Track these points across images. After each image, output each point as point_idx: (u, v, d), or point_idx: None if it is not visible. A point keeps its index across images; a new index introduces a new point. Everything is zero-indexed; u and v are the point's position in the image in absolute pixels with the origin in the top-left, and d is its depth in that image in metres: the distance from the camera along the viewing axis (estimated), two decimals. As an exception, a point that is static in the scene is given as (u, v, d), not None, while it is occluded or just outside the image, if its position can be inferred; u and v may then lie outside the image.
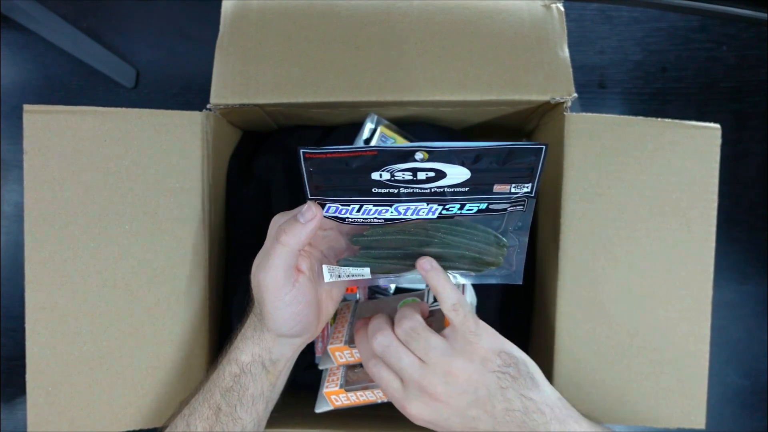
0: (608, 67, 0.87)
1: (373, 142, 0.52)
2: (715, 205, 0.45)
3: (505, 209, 0.37)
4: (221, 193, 0.53)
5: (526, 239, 0.39)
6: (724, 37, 0.86)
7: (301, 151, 0.34)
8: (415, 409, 0.37)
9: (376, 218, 0.37)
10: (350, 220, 0.37)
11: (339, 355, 0.45)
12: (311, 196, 0.36)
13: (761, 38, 0.86)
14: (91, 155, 0.45)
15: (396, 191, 0.35)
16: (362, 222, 0.37)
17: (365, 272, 0.39)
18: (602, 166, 0.45)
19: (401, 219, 0.37)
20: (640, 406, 0.45)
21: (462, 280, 0.42)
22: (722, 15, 0.71)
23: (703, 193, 0.45)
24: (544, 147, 0.34)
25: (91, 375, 0.44)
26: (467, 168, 0.35)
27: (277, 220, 0.38)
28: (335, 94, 0.46)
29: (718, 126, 0.45)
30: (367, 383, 0.45)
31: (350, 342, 0.44)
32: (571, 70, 0.46)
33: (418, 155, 0.34)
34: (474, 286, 0.54)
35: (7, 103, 0.84)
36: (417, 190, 0.35)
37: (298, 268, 0.37)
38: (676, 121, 0.45)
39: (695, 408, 0.45)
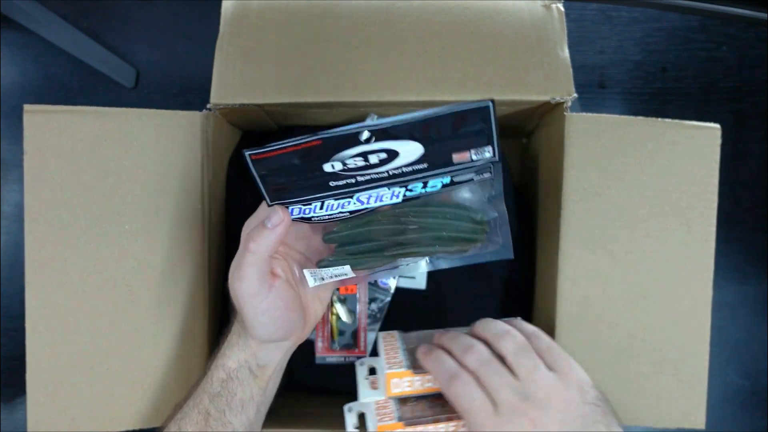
0: (608, 67, 0.86)
1: (373, 142, 0.52)
2: (715, 205, 0.45)
3: (472, 179, 0.36)
4: (221, 193, 0.53)
5: (504, 207, 0.38)
6: (724, 37, 0.86)
7: (247, 154, 0.32)
8: None
9: (340, 212, 0.36)
10: (316, 218, 0.36)
11: (396, 382, 0.39)
12: (272, 201, 0.35)
13: (761, 38, 0.86)
14: (92, 155, 0.45)
15: (353, 180, 0.34)
16: (328, 218, 0.37)
17: (346, 270, 0.38)
18: (602, 166, 0.45)
19: (366, 209, 0.36)
20: (640, 406, 0.45)
21: (444, 265, 0.40)
22: (722, 15, 0.71)
23: (703, 193, 0.45)
24: (489, 104, 0.31)
25: (91, 375, 0.44)
26: (419, 142, 0.33)
27: (247, 225, 0.37)
28: (335, 94, 0.46)
29: (718, 126, 0.45)
30: (427, 417, 0.39)
31: (412, 367, 0.40)
32: (571, 70, 0.46)
33: (363, 135, 0.32)
34: (472, 286, 0.54)
35: (7, 103, 0.84)
36: (374, 176, 0.34)
37: (273, 272, 0.36)
38: (676, 121, 0.45)
39: (695, 408, 0.45)
